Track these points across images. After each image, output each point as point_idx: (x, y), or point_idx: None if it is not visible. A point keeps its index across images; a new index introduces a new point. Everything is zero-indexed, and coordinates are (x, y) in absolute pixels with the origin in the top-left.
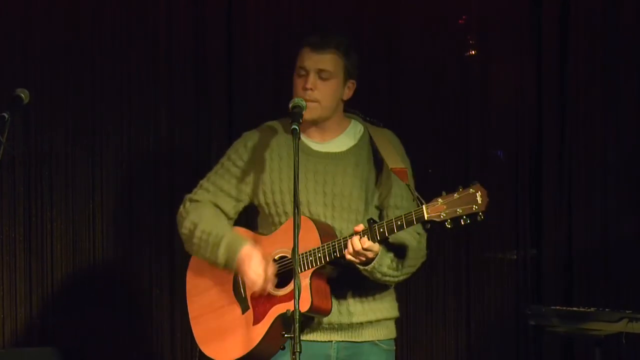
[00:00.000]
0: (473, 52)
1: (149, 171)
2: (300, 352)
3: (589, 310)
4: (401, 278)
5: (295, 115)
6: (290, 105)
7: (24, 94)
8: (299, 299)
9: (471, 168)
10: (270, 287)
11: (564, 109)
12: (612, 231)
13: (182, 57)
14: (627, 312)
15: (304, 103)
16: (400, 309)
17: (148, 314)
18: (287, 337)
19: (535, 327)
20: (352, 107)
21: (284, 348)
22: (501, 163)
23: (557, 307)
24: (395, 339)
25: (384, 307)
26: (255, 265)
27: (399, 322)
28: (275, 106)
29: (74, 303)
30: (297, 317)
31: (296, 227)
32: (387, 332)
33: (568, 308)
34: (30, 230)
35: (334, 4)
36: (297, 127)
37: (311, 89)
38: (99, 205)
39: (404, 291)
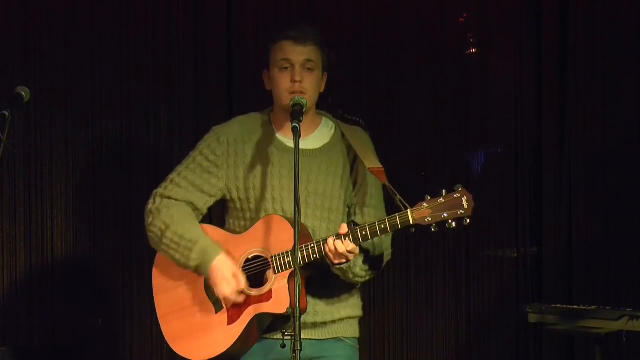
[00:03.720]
0: (473, 50)
1: (149, 170)
2: (300, 350)
3: (589, 308)
4: (367, 278)
5: (296, 113)
6: (291, 104)
7: (24, 92)
8: (299, 297)
9: (471, 167)
10: (240, 295)
11: (563, 108)
12: (612, 229)
13: (182, 56)
14: (628, 310)
15: (304, 101)
16: (400, 307)
17: (149, 311)
18: (287, 335)
19: (536, 325)
20: (350, 103)
21: (284, 346)
22: (501, 161)
23: (558, 305)
24: (359, 339)
25: (349, 306)
26: (229, 278)
27: (399, 320)
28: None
29: (75, 301)
30: (298, 314)
31: (297, 225)
32: (351, 330)
33: (568, 306)
34: (30, 227)
35: (333, 3)
36: (297, 125)
37: (300, 81)
38: (100, 202)
39: (405, 290)
